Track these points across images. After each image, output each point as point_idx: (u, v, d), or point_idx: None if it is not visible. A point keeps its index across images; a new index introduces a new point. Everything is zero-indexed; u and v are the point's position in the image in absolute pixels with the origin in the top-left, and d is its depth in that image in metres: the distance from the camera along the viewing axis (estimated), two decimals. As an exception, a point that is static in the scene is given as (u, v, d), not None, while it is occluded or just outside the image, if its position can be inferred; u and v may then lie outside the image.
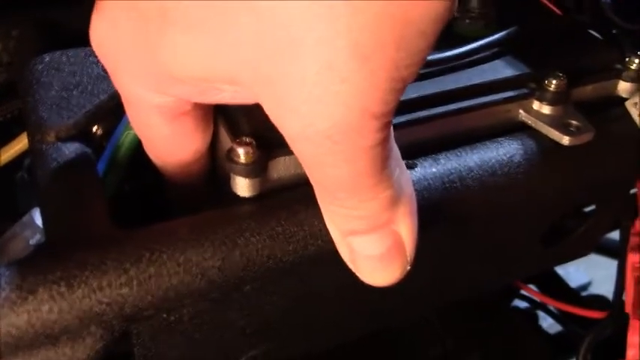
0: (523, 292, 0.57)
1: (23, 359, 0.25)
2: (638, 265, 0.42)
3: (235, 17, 0.20)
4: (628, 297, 0.43)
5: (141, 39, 0.23)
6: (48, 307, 0.25)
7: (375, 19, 0.20)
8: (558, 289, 0.65)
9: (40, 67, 0.35)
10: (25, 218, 0.40)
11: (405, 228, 0.26)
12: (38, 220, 0.40)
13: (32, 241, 0.40)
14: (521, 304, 0.60)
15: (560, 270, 0.75)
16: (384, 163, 0.23)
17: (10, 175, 0.46)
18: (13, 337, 0.24)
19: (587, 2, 0.44)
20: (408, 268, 0.27)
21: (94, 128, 0.34)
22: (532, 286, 0.61)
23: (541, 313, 0.60)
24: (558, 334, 0.60)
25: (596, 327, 0.46)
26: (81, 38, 0.36)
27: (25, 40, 0.41)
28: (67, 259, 0.25)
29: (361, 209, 0.25)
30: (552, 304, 0.54)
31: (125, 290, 0.26)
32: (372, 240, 0.26)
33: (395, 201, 0.25)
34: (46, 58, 0.35)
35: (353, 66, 0.20)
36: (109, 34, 0.24)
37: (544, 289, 0.59)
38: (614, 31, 0.38)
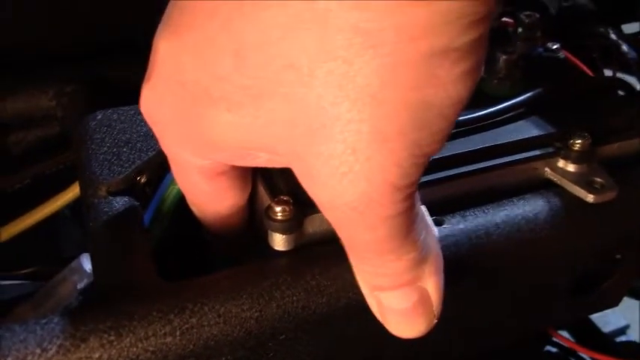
0: (554, 339, 0.58)
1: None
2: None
3: (270, 102, 0.23)
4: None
5: (186, 113, 0.25)
6: (98, 354, 0.27)
7: (397, 108, 0.21)
8: (591, 335, 0.65)
9: (93, 123, 0.37)
10: (74, 263, 0.43)
11: (432, 285, 0.27)
12: (86, 266, 0.42)
13: (80, 286, 0.42)
14: (553, 350, 0.60)
15: (597, 313, 0.74)
16: (408, 228, 0.25)
17: (56, 219, 0.48)
18: (65, 384, 0.26)
19: (614, 58, 0.45)
20: (435, 321, 0.28)
21: (139, 177, 0.36)
22: (564, 333, 0.61)
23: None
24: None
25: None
26: (129, 96, 0.39)
27: (77, 96, 0.44)
28: (116, 310, 0.27)
29: (387, 268, 0.26)
30: (583, 352, 0.54)
31: (169, 339, 0.28)
32: (398, 295, 0.27)
33: (420, 261, 0.26)
34: (99, 115, 0.38)
35: (375, 147, 0.22)
36: (158, 106, 0.26)
37: (577, 336, 0.59)
38: (639, 89, 0.39)
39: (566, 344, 0.56)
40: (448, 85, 0.22)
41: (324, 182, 0.23)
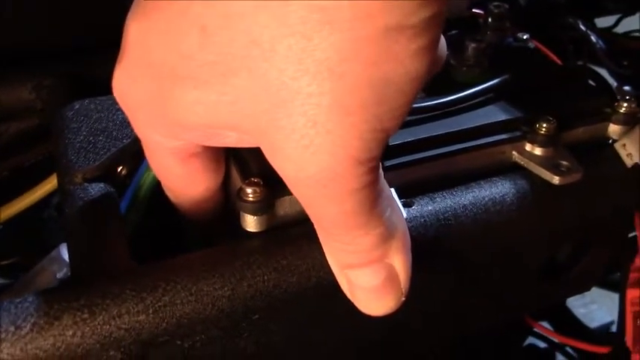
0: (537, 330, 0.59)
1: (48, 382, 0.28)
2: (637, 300, 0.43)
3: (235, 78, 0.23)
4: (628, 332, 0.44)
5: (155, 93, 0.26)
6: (72, 331, 0.27)
7: (357, 82, 0.22)
8: (572, 326, 0.66)
9: (70, 113, 0.38)
10: (53, 253, 0.43)
11: (399, 262, 0.28)
12: (65, 255, 0.42)
13: (59, 275, 0.43)
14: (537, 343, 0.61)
15: (583, 309, 0.75)
16: (373, 203, 0.26)
17: (39, 212, 0.49)
18: (40, 359, 0.27)
19: (584, 50, 0.46)
20: (403, 299, 0.29)
21: (119, 169, 0.37)
22: (545, 324, 0.62)
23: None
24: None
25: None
26: (106, 87, 0.39)
27: (56, 89, 0.45)
28: (89, 289, 0.28)
29: (355, 244, 0.27)
30: (559, 339, 0.55)
31: (142, 317, 0.28)
32: (367, 273, 0.28)
33: (387, 237, 0.27)
34: (76, 105, 0.38)
35: (336, 120, 0.23)
36: (128, 88, 0.27)
37: (558, 327, 0.60)
38: (604, 77, 0.40)
39: (543, 332, 0.57)
40: (405, 60, 0.23)
41: (288, 156, 0.24)
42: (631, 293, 0.44)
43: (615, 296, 0.63)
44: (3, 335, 0.26)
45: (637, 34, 0.57)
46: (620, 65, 0.43)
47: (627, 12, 0.60)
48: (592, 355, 0.53)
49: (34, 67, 0.45)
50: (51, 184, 0.42)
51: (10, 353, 0.26)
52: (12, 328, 0.27)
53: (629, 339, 0.44)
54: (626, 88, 0.41)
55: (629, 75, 0.43)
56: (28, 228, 0.49)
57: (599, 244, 0.40)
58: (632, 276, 0.44)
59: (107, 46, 0.45)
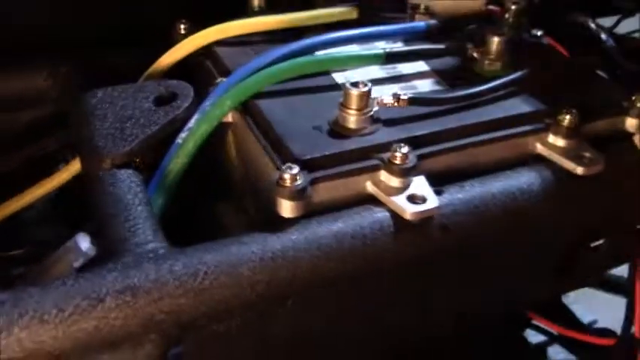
0: (535, 322, 0.59)
1: (89, 364, 0.28)
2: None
3: None
4: (637, 322, 0.45)
5: None
6: (114, 314, 0.27)
7: None
8: (569, 321, 0.67)
9: (94, 100, 0.38)
10: (69, 243, 0.43)
11: None
12: (82, 245, 0.42)
13: (76, 265, 0.42)
14: (533, 334, 0.62)
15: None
16: None
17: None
18: (82, 342, 0.27)
19: (595, 45, 0.47)
20: None
21: (137, 159, 0.37)
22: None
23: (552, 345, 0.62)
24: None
25: (605, 353, 0.49)
26: (121, 75, 0.39)
27: (71, 77, 0.45)
28: (131, 272, 0.28)
29: None
30: (563, 333, 0.56)
31: (182, 301, 0.28)
32: None
33: None
34: (99, 93, 0.38)
35: None
36: None
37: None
38: (618, 72, 0.41)
39: (547, 327, 0.58)
40: None
41: None
42: (640, 285, 0.45)
43: (595, 297, 0.64)
44: (46, 317, 0.26)
45: (637, 34, 0.59)
46: (633, 63, 0.44)
47: (627, 14, 0.61)
48: (591, 348, 0.54)
49: (49, 55, 0.45)
50: (69, 172, 0.42)
51: (52, 336, 0.26)
52: (54, 311, 0.26)
53: (637, 329, 0.45)
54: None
55: (637, 72, 0.44)
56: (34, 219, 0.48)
57: (615, 237, 0.41)
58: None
59: (121, 35, 0.45)
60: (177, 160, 0.35)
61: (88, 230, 0.39)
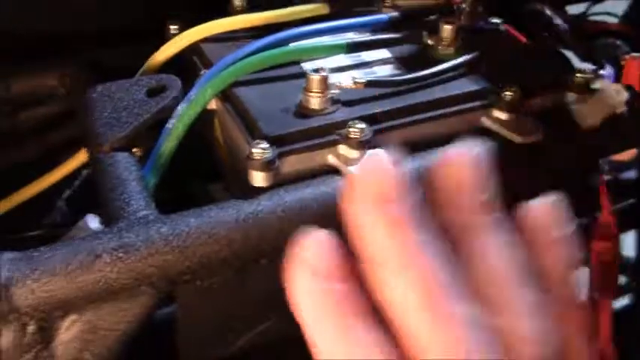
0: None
1: (93, 312, 0.33)
2: (602, 251, 0.49)
3: None
4: (594, 281, 0.49)
5: None
6: (109, 268, 0.32)
7: None
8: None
9: (95, 95, 0.43)
10: (80, 223, 0.48)
11: None
12: (92, 225, 0.47)
13: (86, 241, 0.48)
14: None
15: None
16: None
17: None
18: (85, 292, 0.32)
19: (552, 32, 0.52)
20: None
21: (135, 149, 0.42)
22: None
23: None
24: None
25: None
26: (121, 73, 0.45)
27: (78, 76, 0.50)
28: (124, 233, 0.33)
29: None
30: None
31: (169, 257, 0.33)
32: None
33: None
34: (99, 88, 0.43)
35: None
36: None
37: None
38: (562, 51, 0.45)
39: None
40: None
41: None
42: (596, 245, 0.49)
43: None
44: (56, 270, 0.32)
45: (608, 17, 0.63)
46: (581, 44, 0.49)
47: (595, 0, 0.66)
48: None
49: (57, 56, 0.50)
50: (77, 160, 0.48)
51: (60, 286, 0.32)
52: (61, 265, 0.32)
53: (596, 287, 0.49)
54: (585, 63, 0.47)
55: (588, 52, 0.48)
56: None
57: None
58: (597, 230, 0.49)
59: (121, 35, 0.51)
60: (168, 143, 0.40)
61: (97, 212, 0.44)
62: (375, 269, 0.24)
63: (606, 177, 0.66)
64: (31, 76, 0.50)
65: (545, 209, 0.28)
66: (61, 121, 0.50)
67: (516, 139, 0.40)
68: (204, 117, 0.42)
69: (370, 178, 0.25)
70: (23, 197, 0.49)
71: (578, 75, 0.42)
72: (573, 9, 0.65)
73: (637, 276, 0.74)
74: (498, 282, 0.25)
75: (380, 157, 0.25)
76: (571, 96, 0.43)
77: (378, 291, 0.24)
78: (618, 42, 0.48)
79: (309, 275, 0.25)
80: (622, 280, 0.72)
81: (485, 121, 0.41)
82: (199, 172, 0.48)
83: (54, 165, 0.49)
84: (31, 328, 0.32)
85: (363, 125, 0.37)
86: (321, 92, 0.38)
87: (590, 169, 0.44)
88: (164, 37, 0.48)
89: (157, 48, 0.47)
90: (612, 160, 0.69)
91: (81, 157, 0.47)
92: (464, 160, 0.28)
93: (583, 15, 0.64)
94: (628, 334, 0.62)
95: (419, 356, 0.23)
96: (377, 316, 0.24)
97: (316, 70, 0.39)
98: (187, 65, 0.46)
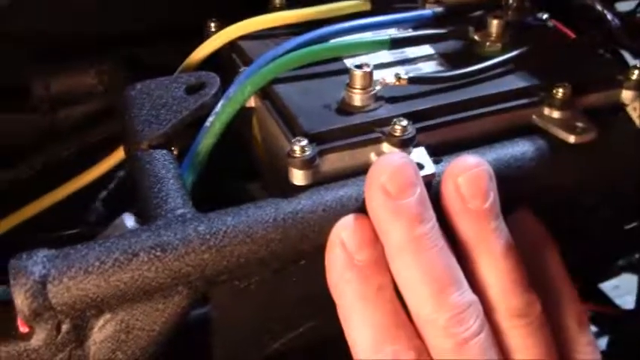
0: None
1: (126, 311, 0.32)
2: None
3: None
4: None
5: None
6: (147, 267, 0.32)
7: None
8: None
9: (134, 92, 0.42)
10: (117, 221, 0.48)
11: None
12: (129, 223, 0.47)
13: (123, 240, 0.47)
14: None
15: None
16: None
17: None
18: (120, 291, 0.31)
19: (602, 28, 0.50)
20: None
21: (173, 148, 0.41)
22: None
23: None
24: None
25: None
26: (160, 70, 0.44)
27: (115, 74, 0.50)
28: (161, 231, 0.32)
29: None
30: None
31: (206, 256, 0.32)
32: None
33: None
34: (138, 85, 0.43)
35: None
36: None
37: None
38: (617, 48, 0.43)
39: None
40: None
41: None
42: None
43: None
44: (90, 269, 0.31)
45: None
46: (634, 41, 0.47)
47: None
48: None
49: (95, 55, 0.50)
50: (115, 158, 0.47)
51: (95, 284, 0.31)
52: (97, 263, 0.31)
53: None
54: (638, 59, 0.45)
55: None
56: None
57: (618, 204, 0.43)
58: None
59: (158, 33, 0.50)
60: (206, 140, 0.40)
61: (133, 210, 0.44)
62: (391, 257, 0.31)
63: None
64: (70, 75, 0.50)
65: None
66: (100, 118, 0.50)
67: (569, 138, 0.38)
68: (244, 115, 0.41)
69: (383, 174, 0.32)
70: (62, 195, 0.48)
71: (634, 71, 0.40)
72: (623, 6, 0.63)
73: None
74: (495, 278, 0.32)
75: (394, 156, 0.32)
76: (625, 93, 0.41)
77: (395, 275, 0.32)
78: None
79: (344, 253, 0.32)
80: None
81: (536, 120, 0.39)
82: (238, 170, 0.47)
83: (92, 163, 0.48)
84: (65, 327, 0.31)
85: (405, 122, 0.36)
86: (364, 88, 0.37)
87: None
88: (204, 35, 0.47)
89: (196, 46, 0.47)
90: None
91: (119, 154, 0.46)
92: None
93: (633, 12, 0.62)
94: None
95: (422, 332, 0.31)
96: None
97: (359, 66, 0.37)
98: (226, 63, 0.46)
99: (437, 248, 0.31)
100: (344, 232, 0.32)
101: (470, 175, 0.32)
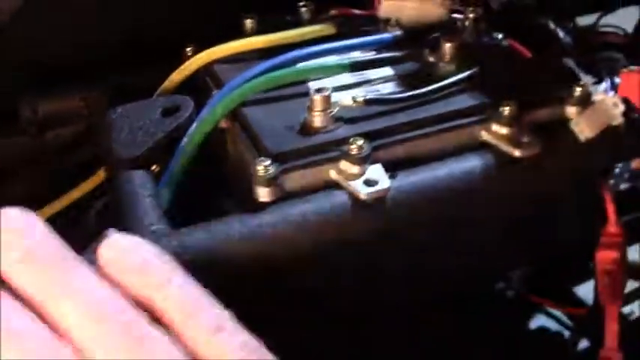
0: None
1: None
2: (606, 261, 0.49)
3: None
4: (600, 289, 0.50)
5: None
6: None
7: None
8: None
9: (114, 116, 0.46)
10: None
11: None
12: (112, 237, 0.50)
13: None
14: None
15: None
16: None
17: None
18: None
19: (555, 45, 0.53)
20: None
21: (154, 167, 0.44)
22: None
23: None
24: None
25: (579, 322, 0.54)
26: (140, 96, 0.47)
27: (100, 98, 0.53)
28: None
29: None
30: (539, 302, 0.61)
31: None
32: None
33: None
34: (119, 109, 0.46)
35: None
36: None
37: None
38: (563, 66, 0.46)
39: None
40: None
41: None
42: (601, 255, 0.50)
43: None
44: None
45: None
46: (584, 57, 0.50)
47: (606, 11, 0.66)
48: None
49: (81, 80, 0.53)
50: (98, 178, 0.50)
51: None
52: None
53: (601, 295, 0.50)
54: (584, 74, 0.48)
55: (590, 65, 0.49)
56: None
57: (565, 212, 0.46)
58: (603, 240, 0.50)
59: (140, 59, 0.53)
60: (181, 160, 0.43)
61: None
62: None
63: (624, 185, 0.67)
64: (56, 99, 0.53)
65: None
66: (85, 140, 0.53)
67: (515, 152, 0.41)
68: (216, 135, 0.45)
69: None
70: (49, 212, 0.51)
71: (576, 88, 0.43)
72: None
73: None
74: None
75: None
76: (569, 109, 0.44)
77: None
78: (617, 55, 0.49)
79: None
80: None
81: (485, 135, 0.42)
82: (215, 187, 0.50)
83: (79, 181, 0.52)
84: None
85: (362, 141, 0.39)
86: (324, 110, 0.40)
87: (590, 181, 0.45)
88: (181, 59, 0.50)
89: (174, 70, 0.50)
90: (632, 168, 0.70)
91: (101, 175, 0.50)
92: None
93: (593, 26, 0.65)
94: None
95: None
96: None
97: (319, 90, 0.41)
98: (201, 86, 0.49)
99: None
100: None
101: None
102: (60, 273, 0.25)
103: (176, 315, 0.25)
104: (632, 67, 0.44)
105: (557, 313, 0.67)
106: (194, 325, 0.25)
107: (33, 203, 0.51)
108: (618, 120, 0.42)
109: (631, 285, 0.66)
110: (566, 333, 0.67)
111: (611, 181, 0.63)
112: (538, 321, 0.70)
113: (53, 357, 0.24)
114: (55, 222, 0.52)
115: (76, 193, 0.51)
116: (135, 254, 0.27)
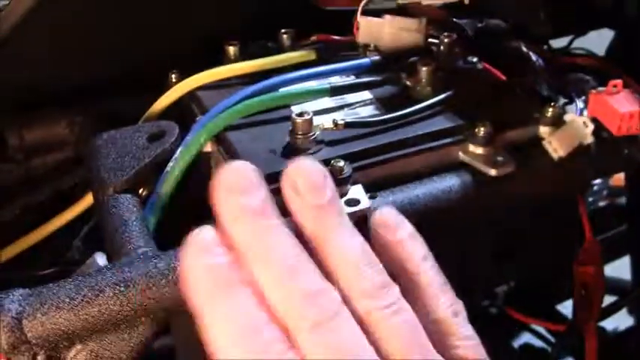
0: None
1: (95, 342, 0.36)
2: (584, 275, 0.51)
3: None
4: (576, 302, 0.51)
5: None
6: (112, 301, 0.35)
7: None
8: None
9: (100, 142, 0.47)
10: (89, 261, 0.51)
11: None
12: (99, 261, 0.51)
13: (95, 278, 0.51)
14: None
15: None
16: None
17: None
18: (89, 323, 0.35)
19: (528, 68, 0.55)
20: None
21: (140, 190, 0.45)
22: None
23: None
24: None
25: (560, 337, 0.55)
26: (125, 119, 0.48)
27: (85, 124, 0.54)
28: (125, 269, 0.36)
29: None
30: (521, 319, 0.63)
31: (165, 290, 0.36)
32: None
33: None
34: (104, 135, 0.47)
35: None
36: None
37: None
38: (536, 87, 0.48)
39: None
40: None
41: None
42: (578, 269, 0.51)
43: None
44: (62, 305, 0.35)
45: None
46: (555, 78, 0.52)
47: (578, 34, 0.69)
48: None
49: (66, 106, 0.54)
50: (86, 202, 0.51)
51: (66, 319, 0.35)
52: (67, 300, 0.35)
53: (578, 310, 0.52)
54: (556, 95, 0.50)
55: (561, 87, 0.51)
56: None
57: (542, 229, 0.48)
58: (580, 255, 0.52)
59: (125, 86, 0.55)
60: (166, 184, 0.44)
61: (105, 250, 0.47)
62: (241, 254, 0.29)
63: (602, 203, 0.69)
64: (43, 125, 0.54)
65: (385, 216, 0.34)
66: (71, 166, 0.54)
67: (490, 171, 0.42)
68: (202, 159, 0.46)
69: (229, 176, 0.31)
70: (36, 238, 0.52)
71: (548, 109, 0.45)
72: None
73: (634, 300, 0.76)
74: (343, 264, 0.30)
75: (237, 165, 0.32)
76: (542, 129, 0.46)
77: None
78: (587, 77, 0.51)
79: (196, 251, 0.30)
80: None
81: (462, 156, 0.44)
82: (201, 210, 0.51)
83: (65, 206, 0.52)
84: (40, 358, 0.35)
85: (342, 163, 0.40)
86: (305, 134, 0.42)
87: (565, 198, 0.46)
88: (166, 85, 0.52)
89: (159, 96, 0.51)
90: (610, 186, 0.71)
91: (88, 200, 0.50)
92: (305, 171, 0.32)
93: (566, 48, 0.67)
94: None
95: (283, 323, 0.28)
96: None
97: (300, 114, 0.42)
98: (186, 111, 0.50)
99: (289, 239, 0.30)
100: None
101: (305, 174, 0.32)
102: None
103: (427, 289, 0.31)
104: (600, 89, 0.46)
105: (541, 329, 0.69)
106: (437, 305, 0.31)
107: (21, 228, 0.53)
108: (589, 139, 0.44)
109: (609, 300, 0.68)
110: (549, 349, 0.69)
111: (590, 199, 0.65)
112: (522, 338, 0.71)
113: (280, 357, 0.27)
114: (43, 247, 0.53)
115: (63, 218, 0.52)
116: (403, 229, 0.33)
